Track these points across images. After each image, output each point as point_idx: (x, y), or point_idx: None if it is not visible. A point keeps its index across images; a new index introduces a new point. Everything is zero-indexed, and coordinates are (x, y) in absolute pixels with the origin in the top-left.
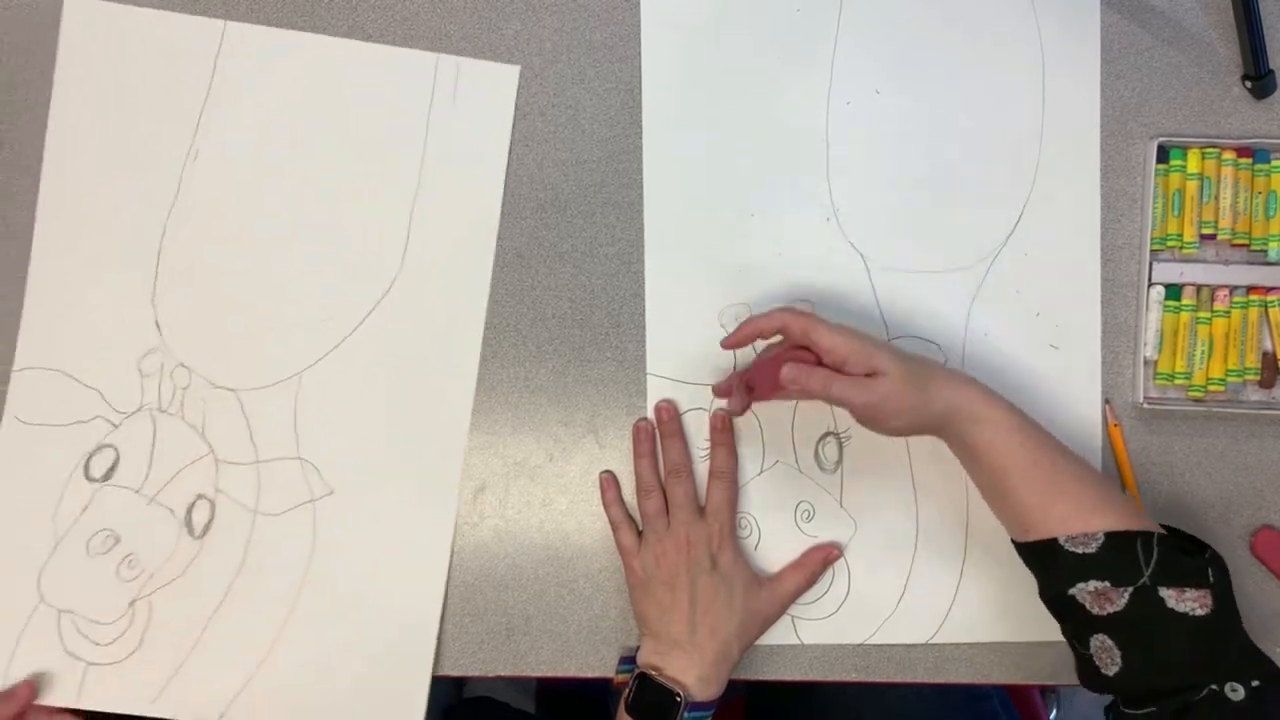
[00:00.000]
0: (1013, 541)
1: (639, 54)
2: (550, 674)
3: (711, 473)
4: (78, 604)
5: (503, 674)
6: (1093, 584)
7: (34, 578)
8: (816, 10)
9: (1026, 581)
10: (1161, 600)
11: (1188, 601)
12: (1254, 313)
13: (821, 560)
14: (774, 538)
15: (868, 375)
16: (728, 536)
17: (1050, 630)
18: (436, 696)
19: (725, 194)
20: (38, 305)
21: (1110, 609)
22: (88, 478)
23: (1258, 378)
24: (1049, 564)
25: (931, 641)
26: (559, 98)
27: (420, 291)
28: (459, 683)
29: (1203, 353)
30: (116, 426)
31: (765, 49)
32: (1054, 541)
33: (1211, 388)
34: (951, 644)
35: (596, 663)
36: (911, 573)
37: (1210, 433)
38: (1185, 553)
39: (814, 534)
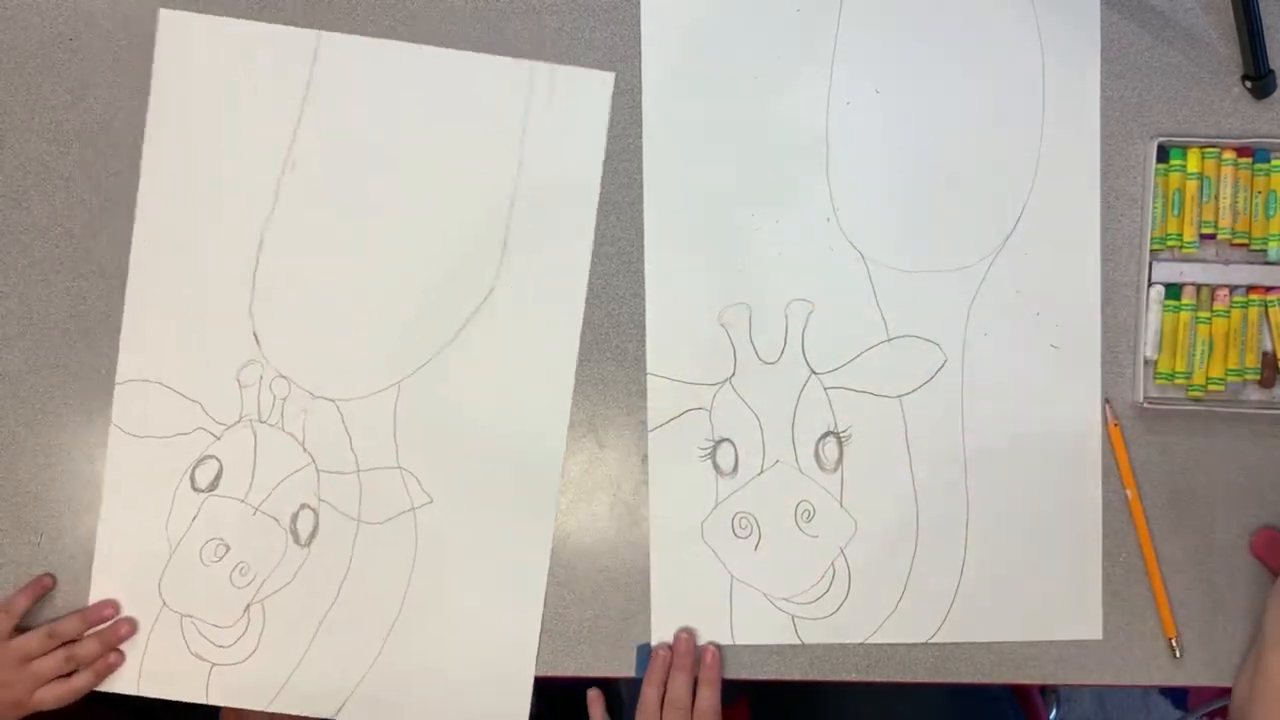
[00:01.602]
0: None
1: (639, 54)
2: (550, 674)
3: (693, 712)
4: (196, 609)
5: None
6: None
7: (155, 583)
8: (816, 11)
9: (1027, 581)
10: None
11: None
12: (1254, 312)
13: None
14: (774, 537)
15: None
16: None
17: (1051, 629)
18: None
19: (725, 194)
20: (136, 318)
21: None
22: (194, 488)
23: (1258, 378)
24: None
25: (931, 641)
26: None
27: (518, 299)
28: None
29: (1203, 352)
30: (218, 438)
31: (765, 49)
32: None
33: (1211, 387)
34: (952, 643)
35: (596, 663)
36: (912, 572)
37: (1210, 433)
38: None
39: (814, 533)
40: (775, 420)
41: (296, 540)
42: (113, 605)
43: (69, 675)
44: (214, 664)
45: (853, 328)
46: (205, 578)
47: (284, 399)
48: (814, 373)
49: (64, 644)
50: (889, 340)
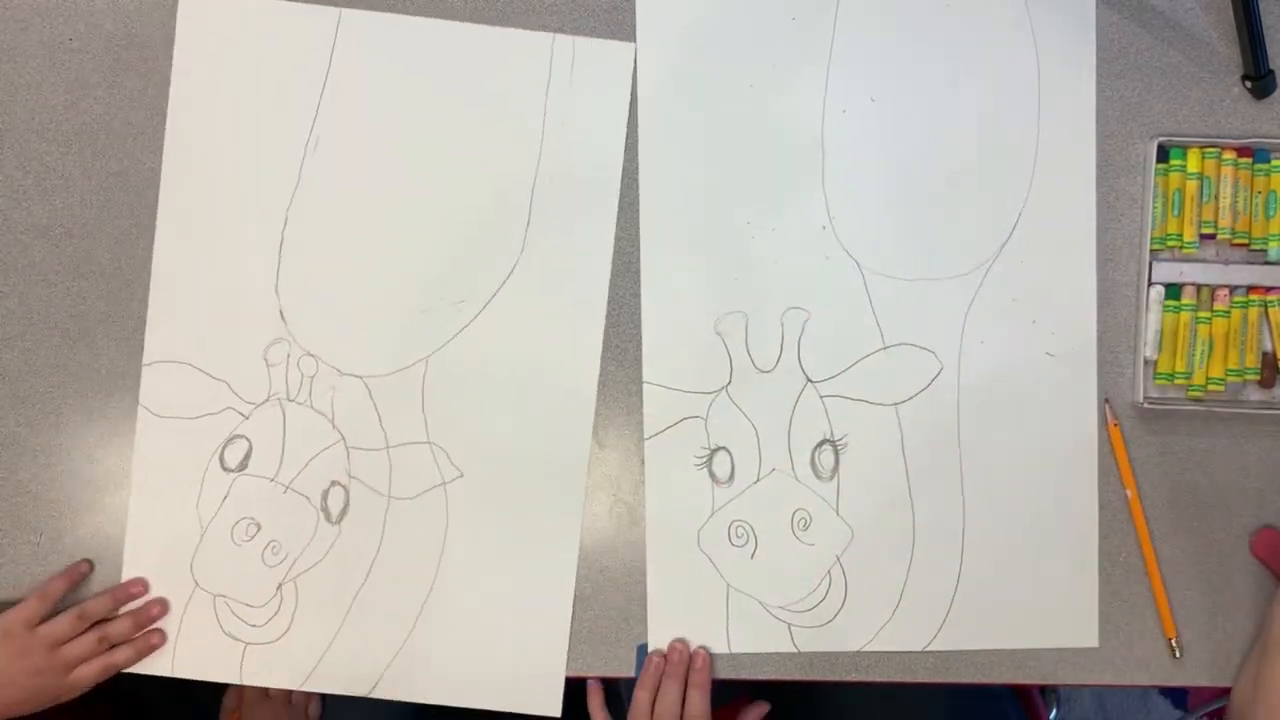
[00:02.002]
0: None
1: (636, 58)
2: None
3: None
4: (229, 589)
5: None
6: None
7: (187, 564)
8: (812, 19)
9: (1023, 589)
10: None
11: None
12: (1254, 312)
13: None
14: (770, 546)
15: None
16: None
17: (1047, 637)
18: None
19: (721, 202)
20: (162, 299)
21: None
22: (223, 468)
23: (1258, 378)
24: None
25: (928, 649)
26: None
27: (543, 271)
28: None
29: (1203, 352)
30: (246, 417)
31: (761, 57)
32: None
33: (1211, 387)
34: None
35: (596, 663)
36: (908, 580)
37: (1210, 433)
38: None
39: (811, 542)
40: (771, 428)
41: (328, 518)
42: (141, 583)
43: (108, 651)
44: (247, 644)
45: (849, 336)
46: (237, 557)
47: (312, 376)
48: (810, 381)
49: (95, 624)
50: (885, 348)
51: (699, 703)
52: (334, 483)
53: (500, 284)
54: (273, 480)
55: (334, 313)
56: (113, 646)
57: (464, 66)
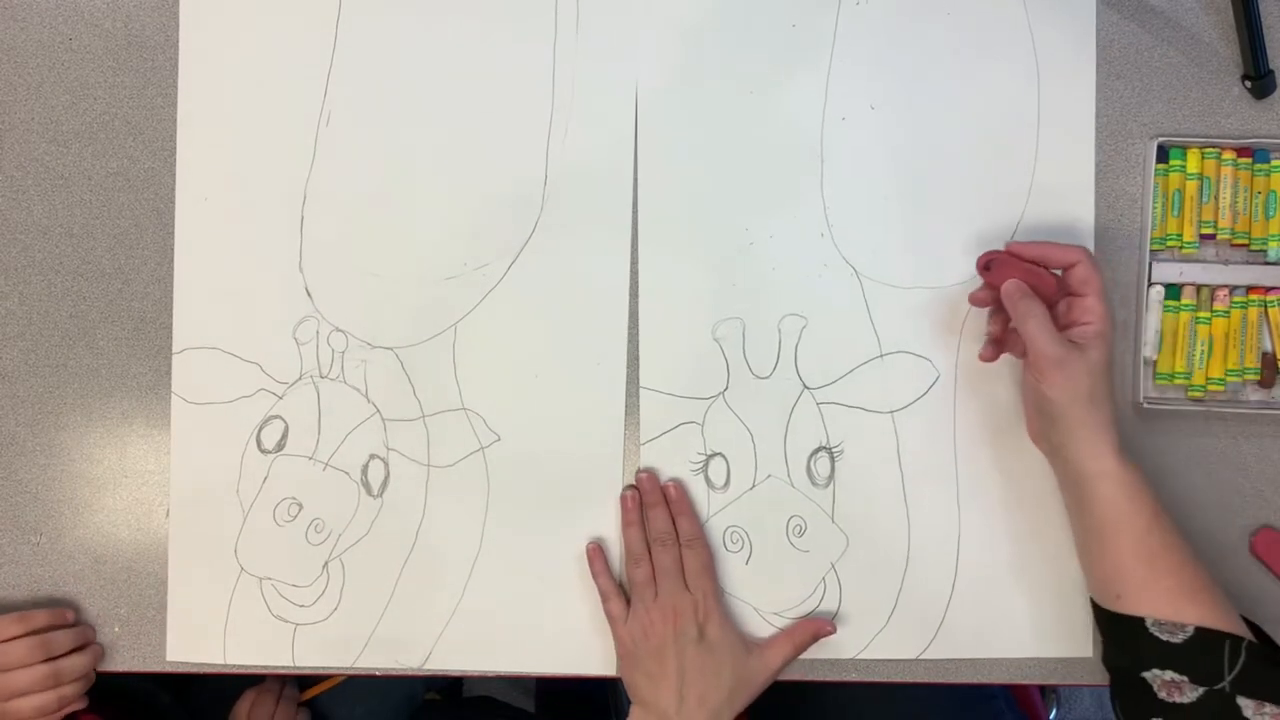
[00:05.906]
0: (1092, 601)
1: (635, 63)
2: (550, 674)
3: (681, 542)
4: (274, 571)
5: (503, 673)
6: (1170, 674)
7: (231, 549)
8: (812, 26)
9: (1018, 597)
10: (1238, 708)
11: (1266, 716)
12: (1254, 313)
13: (812, 634)
14: (765, 552)
15: (1072, 339)
16: (713, 604)
17: (1041, 646)
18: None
19: (719, 208)
20: (187, 286)
21: (1179, 699)
22: (261, 450)
23: (1257, 378)
24: (1128, 641)
25: (922, 657)
26: None
27: (564, 226)
28: (458, 682)
29: (1202, 353)
30: (280, 397)
31: (760, 63)
32: (1140, 621)
33: (1211, 388)
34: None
35: (596, 663)
36: (903, 588)
37: (1210, 433)
38: (1274, 665)
39: (806, 548)
40: (767, 435)
41: (369, 491)
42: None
43: (56, 689)
44: (297, 625)
45: (846, 343)
46: (281, 538)
47: (342, 352)
48: (807, 388)
49: (51, 659)
50: (882, 356)
51: (690, 526)
52: (373, 456)
53: (523, 244)
54: (311, 459)
55: (359, 286)
56: (61, 685)
57: (467, 28)
